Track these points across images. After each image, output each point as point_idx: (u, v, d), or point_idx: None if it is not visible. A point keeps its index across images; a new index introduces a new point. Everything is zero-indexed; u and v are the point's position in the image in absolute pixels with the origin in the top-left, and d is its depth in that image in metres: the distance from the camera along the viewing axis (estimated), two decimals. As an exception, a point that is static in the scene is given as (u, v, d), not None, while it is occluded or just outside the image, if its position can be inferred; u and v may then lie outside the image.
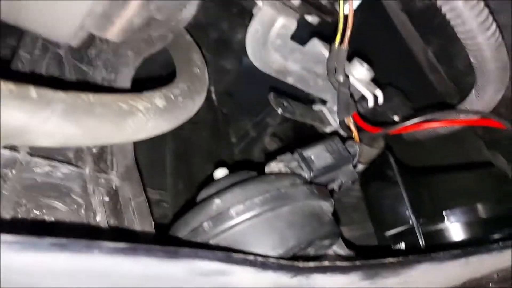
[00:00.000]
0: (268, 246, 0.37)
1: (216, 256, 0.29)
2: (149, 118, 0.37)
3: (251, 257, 0.31)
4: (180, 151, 0.77)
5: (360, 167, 0.85)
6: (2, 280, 0.22)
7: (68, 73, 0.54)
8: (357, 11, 0.84)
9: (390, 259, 0.38)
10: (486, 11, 0.43)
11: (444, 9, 0.43)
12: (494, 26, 0.44)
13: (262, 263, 0.31)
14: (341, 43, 0.52)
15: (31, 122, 0.29)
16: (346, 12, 0.52)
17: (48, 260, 0.23)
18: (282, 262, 0.32)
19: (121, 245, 0.26)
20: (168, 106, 0.40)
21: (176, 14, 0.45)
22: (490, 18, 0.44)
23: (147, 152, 0.81)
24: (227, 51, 0.91)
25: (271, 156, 0.96)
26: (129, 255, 0.26)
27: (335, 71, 0.56)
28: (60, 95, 0.31)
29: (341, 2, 0.49)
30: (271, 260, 0.32)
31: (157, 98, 0.39)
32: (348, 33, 0.50)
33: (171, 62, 0.63)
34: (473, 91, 0.55)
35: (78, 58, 0.58)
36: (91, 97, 0.33)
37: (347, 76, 0.58)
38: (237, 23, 0.87)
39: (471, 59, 0.48)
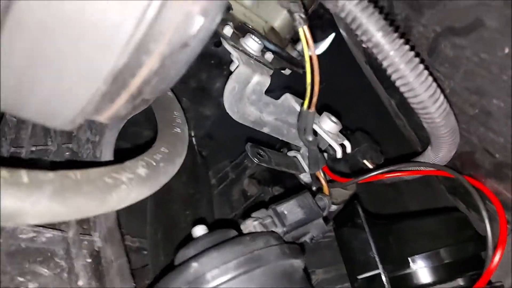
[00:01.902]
0: (243, 308, 0.40)
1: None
2: (131, 188, 0.40)
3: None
4: (159, 198, 0.79)
5: (334, 207, 0.90)
6: None
7: (53, 132, 0.57)
8: (324, 55, 0.90)
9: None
10: (435, 85, 0.49)
11: (398, 83, 0.49)
12: (442, 97, 0.50)
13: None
14: (309, 107, 0.57)
15: (23, 206, 0.31)
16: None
17: None
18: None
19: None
20: (150, 173, 0.43)
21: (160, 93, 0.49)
22: (438, 91, 0.50)
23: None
24: (206, 98, 0.96)
25: (249, 198, 0.99)
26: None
27: (305, 131, 0.61)
28: (50, 176, 0.34)
29: (308, 70, 0.54)
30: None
31: (140, 167, 0.42)
32: (314, 99, 0.55)
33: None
34: (429, 148, 0.61)
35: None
36: (78, 174, 0.36)
37: (315, 134, 0.62)
38: (215, 73, 0.92)
39: (425, 125, 0.53)
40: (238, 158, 1.06)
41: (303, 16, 0.52)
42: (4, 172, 0.31)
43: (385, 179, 0.79)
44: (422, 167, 0.65)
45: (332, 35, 0.87)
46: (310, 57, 0.52)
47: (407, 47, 0.47)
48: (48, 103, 0.32)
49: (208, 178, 0.97)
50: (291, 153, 0.85)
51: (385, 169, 0.65)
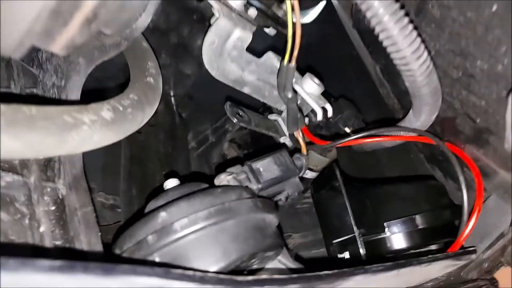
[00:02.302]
0: (211, 260, 0.38)
1: (154, 272, 0.30)
2: (94, 130, 0.37)
3: (189, 272, 0.32)
4: (135, 155, 0.77)
5: (313, 174, 0.89)
6: None
7: (16, 75, 0.53)
8: (313, 23, 0.86)
9: (326, 272, 0.41)
10: (419, 40, 0.47)
11: (381, 37, 0.47)
12: (425, 54, 0.48)
13: (201, 277, 0.33)
14: (289, 61, 0.55)
15: (-32, 137, 0.29)
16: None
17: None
18: (221, 276, 0.34)
19: (58, 262, 0.26)
20: (115, 118, 0.41)
21: (127, 26, 0.45)
22: (422, 47, 0.48)
23: (101, 156, 0.80)
24: (187, 56, 0.92)
25: (226, 165, 0.98)
26: (66, 272, 0.26)
27: (285, 87, 0.59)
28: (1, 108, 0.31)
29: (290, 21, 0.51)
30: (210, 274, 0.33)
31: (105, 110, 0.40)
32: (295, 52, 0.53)
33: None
34: (411, 111, 0.59)
35: (28, 60, 0.57)
36: (33, 109, 0.33)
37: (295, 92, 0.60)
38: (197, 29, 0.88)
39: (406, 84, 0.51)
40: (219, 121, 1.04)
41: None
42: None
43: (365, 146, 0.78)
44: (402, 132, 0.64)
45: (323, 3, 0.84)
46: (292, 7, 0.49)
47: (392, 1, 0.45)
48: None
49: (186, 139, 0.94)
50: (272, 116, 0.83)
51: (365, 133, 0.64)
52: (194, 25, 0.87)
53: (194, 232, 0.39)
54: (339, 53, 1.08)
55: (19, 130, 0.31)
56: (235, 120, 0.71)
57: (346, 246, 0.68)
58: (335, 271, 0.42)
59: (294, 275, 0.39)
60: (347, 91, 1.05)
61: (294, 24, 0.50)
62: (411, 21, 0.47)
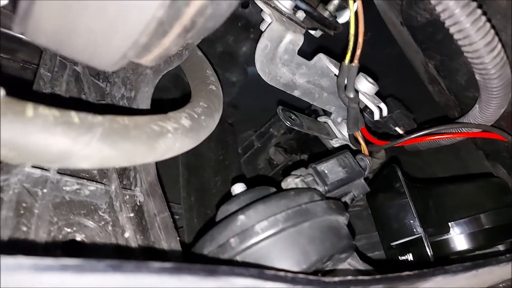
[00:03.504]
0: (293, 261, 0.39)
1: (250, 272, 0.31)
2: (177, 138, 0.39)
3: (281, 273, 0.33)
4: (191, 163, 0.78)
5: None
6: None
7: (87, 89, 0.56)
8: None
9: (408, 273, 0.40)
10: (492, 32, 0.46)
11: (452, 30, 0.46)
12: (499, 46, 0.47)
13: (292, 278, 0.33)
14: (351, 60, 0.54)
15: (74, 146, 0.30)
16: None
17: (103, 281, 0.24)
18: (310, 277, 0.34)
19: (167, 264, 0.27)
20: (193, 125, 0.42)
21: (199, 38, 0.47)
22: (496, 39, 0.46)
23: (160, 165, 0.82)
24: (233, 63, 0.93)
25: (276, 167, 0.98)
26: (174, 274, 0.27)
27: (345, 87, 0.58)
28: (99, 119, 0.32)
29: (352, 21, 0.51)
30: (300, 275, 0.34)
31: (183, 118, 0.41)
32: (358, 52, 0.52)
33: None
34: (476, 105, 0.58)
35: (95, 75, 0.59)
36: (126, 120, 0.34)
37: (356, 92, 0.60)
38: (242, 36, 0.89)
39: (477, 77, 0.50)
40: (263, 127, 1.05)
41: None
42: (55, 111, 0.30)
43: (420, 146, 0.77)
44: (465, 129, 0.62)
45: (357, 3, 0.83)
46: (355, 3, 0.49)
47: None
48: (93, 41, 0.30)
49: (236, 146, 0.95)
50: (321, 119, 0.83)
51: (426, 131, 0.62)
52: (239, 33, 0.88)
53: (275, 234, 0.39)
54: (381, 51, 1.06)
55: (116, 140, 0.32)
56: (288, 124, 0.72)
57: (408, 247, 0.66)
58: (416, 271, 0.41)
59: (377, 276, 0.38)
60: (391, 90, 1.03)
61: (356, 23, 0.50)
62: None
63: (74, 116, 0.31)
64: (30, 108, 0.29)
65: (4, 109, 0.28)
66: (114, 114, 0.34)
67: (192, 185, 0.74)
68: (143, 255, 0.41)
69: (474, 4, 0.44)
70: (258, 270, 0.31)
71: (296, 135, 1.00)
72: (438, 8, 0.44)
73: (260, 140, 1.03)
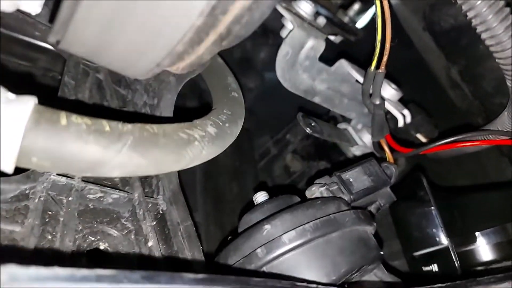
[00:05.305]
0: (322, 272, 0.38)
1: (282, 285, 0.30)
2: (203, 146, 0.38)
3: (313, 285, 0.32)
4: (207, 170, 0.78)
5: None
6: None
7: (109, 96, 0.55)
8: (368, 28, 0.84)
9: (440, 285, 0.39)
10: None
11: (484, 36, 0.44)
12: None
13: (325, 291, 0.32)
14: (378, 67, 0.53)
15: (106, 155, 0.30)
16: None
17: (138, 292, 0.24)
18: (342, 290, 0.33)
19: (200, 276, 0.26)
20: (218, 133, 0.41)
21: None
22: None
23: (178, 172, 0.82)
24: (250, 69, 0.93)
25: (293, 174, 0.96)
26: (207, 285, 0.26)
27: (370, 94, 0.57)
28: (129, 127, 0.32)
29: (379, 26, 0.50)
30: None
31: (209, 125, 0.40)
32: (385, 58, 0.51)
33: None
34: (505, 112, 0.56)
35: (116, 82, 0.59)
36: (155, 128, 0.34)
37: (382, 99, 0.59)
38: (260, 42, 0.89)
39: (508, 83, 0.49)
40: (280, 133, 1.04)
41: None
42: (87, 120, 0.30)
43: (442, 154, 0.75)
44: (492, 136, 0.61)
45: (372, 8, 0.82)
46: (382, 8, 0.48)
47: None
48: (130, 50, 0.29)
49: (252, 151, 0.95)
50: (341, 125, 0.82)
51: (452, 138, 0.61)
52: (257, 39, 0.88)
53: (303, 245, 0.38)
54: (399, 57, 1.05)
55: (147, 148, 0.32)
56: (308, 131, 0.70)
57: (432, 258, 0.64)
58: (448, 284, 0.39)
59: (410, 290, 0.37)
60: (409, 95, 1.01)
61: (384, 28, 0.49)
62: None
63: (106, 124, 0.31)
64: (63, 117, 0.29)
65: (38, 118, 0.27)
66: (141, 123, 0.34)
67: (209, 192, 0.73)
68: (167, 265, 0.40)
69: (502, 2, 0.43)
70: (290, 282, 0.30)
71: (313, 142, 0.99)
72: (464, 7, 0.42)
73: (276, 147, 1.02)
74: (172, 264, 0.41)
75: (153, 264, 0.40)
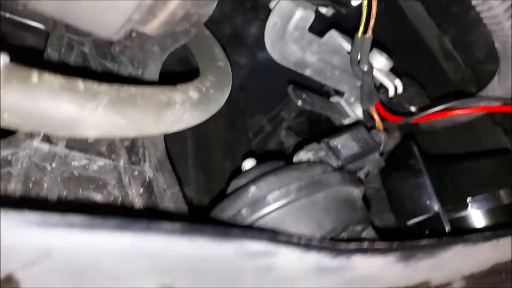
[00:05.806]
0: (306, 231, 0.38)
1: (263, 236, 0.30)
2: (185, 109, 0.38)
3: (295, 238, 0.32)
4: (199, 143, 0.78)
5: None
6: (68, 259, 0.23)
7: (94, 69, 0.55)
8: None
9: (426, 241, 0.39)
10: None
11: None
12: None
13: (306, 244, 0.32)
14: (364, 32, 0.53)
15: (80, 113, 0.30)
16: None
17: (111, 240, 0.24)
18: (324, 243, 0.33)
19: (178, 225, 0.26)
20: (201, 98, 0.41)
21: (202, 8, 0.46)
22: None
23: (168, 145, 0.82)
24: (241, 45, 0.92)
25: (287, 150, 0.96)
26: (185, 235, 0.26)
27: (358, 61, 0.57)
28: (105, 87, 0.32)
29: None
30: (314, 242, 0.33)
31: (191, 90, 0.40)
32: (372, 22, 0.51)
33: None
34: (495, 78, 0.55)
35: (102, 55, 0.59)
36: (133, 89, 0.34)
37: (370, 66, 0.58)
38: (250, 17, 0.88)
39: (496, 45, 0.48)
40: (274, 110, 1.04)
41: None
42: (60, 78, 0.29)
43: (436, 124, 0.74)
44: (482, 103, 0.60)
45: None
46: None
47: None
48: (97, 5, 0.29)
49: (245, 128, 0.94)
50: (333, 99, 0.81)
51: (442, 106, 0.60)
52: (247, 14, 0.87)
53: (287, 205, 0.38)
54: (390, 29, 1.03)
55: (124, 108, 0.32)
56: (299, 103, 0.70)
57: (425, 226, 0.65)
58: (434, 240, 0.40)
59: (394, 244, 0.37)
60: (401, 67, 1.01)
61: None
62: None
63: (80, 83, 0.30)
64: (35, 75, 0.29)
65: (8, 75, 0.27)
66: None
67: (201, 166, 0.73)
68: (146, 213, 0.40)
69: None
70: (271, 233, 0.31)
71: (308, 118, 0.98)
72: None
73: (271, 124, 1.02)
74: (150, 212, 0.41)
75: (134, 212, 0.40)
